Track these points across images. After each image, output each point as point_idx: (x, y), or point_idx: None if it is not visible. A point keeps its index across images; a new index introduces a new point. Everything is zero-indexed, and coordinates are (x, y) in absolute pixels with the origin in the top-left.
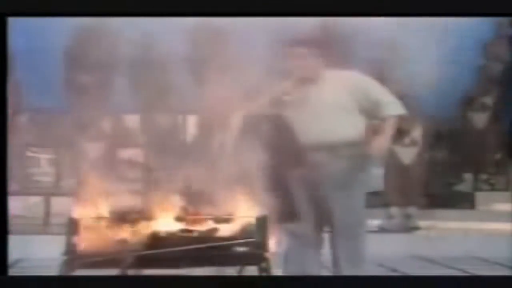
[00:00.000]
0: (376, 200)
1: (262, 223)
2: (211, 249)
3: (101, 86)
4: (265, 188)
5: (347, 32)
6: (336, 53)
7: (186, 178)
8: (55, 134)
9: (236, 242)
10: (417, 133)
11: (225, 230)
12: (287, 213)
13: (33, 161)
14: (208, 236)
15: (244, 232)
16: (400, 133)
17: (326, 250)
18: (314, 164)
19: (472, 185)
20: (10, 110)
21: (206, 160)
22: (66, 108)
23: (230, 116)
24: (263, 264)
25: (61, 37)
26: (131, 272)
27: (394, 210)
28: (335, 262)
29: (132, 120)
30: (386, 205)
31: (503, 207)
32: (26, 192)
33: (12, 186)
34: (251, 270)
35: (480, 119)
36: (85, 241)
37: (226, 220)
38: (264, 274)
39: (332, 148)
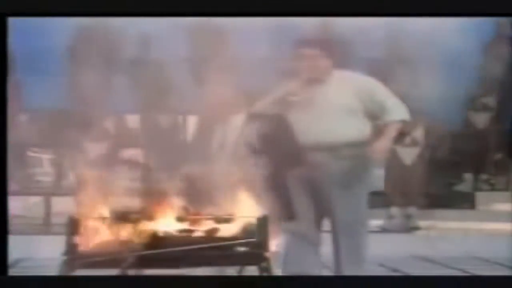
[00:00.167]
0: (377, 200)
1: (262, 223)
2: (212, 249)
3: (101, 86)
4: (265, 188)
5: (347, 32)
6: (340, 54)
7: (187, 178)
8: (56, 134)
9: (237, 242)
10: (418, 133)
11: (225, 230)
12: (288, 213)
13: (34, 161)
14: (209, 236)
15: (245, 232)
16: (401, 135)
17: (326, 250)
18: (317, 164)
19: (472, 185)
20: (10, 110)
21: (206, 160)
22: (67, 108)
23: (231, 116)
24: (264, 264)
25: (62, 37)
26: (131, 272)
27: (394, 210)
28: (337, 261)
29: (133, 120)
30: (386, 205)
31: (503, 207)
32: (26, 192)
33: (12, 186)
34: (252, 270)
35: (480, 119)
36: (85, 241)
37: (227, 220)
38: (264, 274)
39: (335, 148)
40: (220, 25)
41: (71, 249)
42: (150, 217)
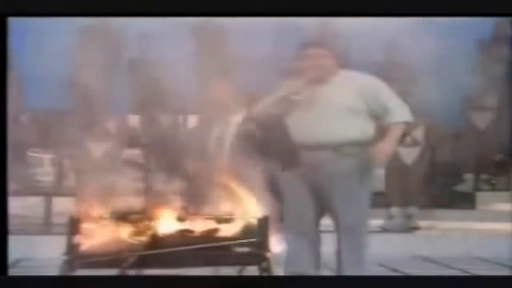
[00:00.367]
0: (377, 200)
1: (263, 223)
2: (212, 249)
3: (102, 86)
4: (266, 188)
5: (347, 32)
6: (342, 53)
7: (187, 178)
8: (57, 134)
9: (237, 242)
10: (418, 133)
11: (226, 230)
12: (288, 213)
13: (35, 161)
14: (209, 236)
15: (245, 232)
16: (403, 136)
17: (328, 249)
18: (319, 163)
19: (472, 185)
20: (12, 110)
21: (207, 159)
22: (68, 108)
23: (231, 116)
24: (264, 264)
25: (63, 37)
26: (132, 272)
27: (394, 210)
28: (338, 261)
29: (133, 120)
30: (386, 205)
31: (504, 207)
32: (27, 192)
33: (13, 186)
34: (252, 270)
35: (481, 119)
36: (86, 241)
37: (227, 220)
38: (265, 274)
39: (338, 148)
40: (222, 25)
41: (71, 249)
42: (150, 217)
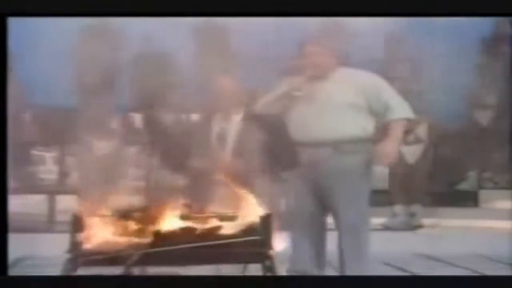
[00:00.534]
0: (380, 198)
1: (266, 221)
2: (215, 247)
3: (105, 84)
4: (269, 186)
5: (350, 29)
6: (343, 51)
7: (190, 176)
8: (60, 132)
9: (240, 240)
10: (421, 131)
11: (229, 228)
12: (290, 211)
13: (38, 159)
14: (212, 234)
15: (248, 230)
16: (405, 133)
17: (331, 247)
18: (319, 161)
19: (475, 183)
20: (14, 109)
21: (210, 157)
22: (71, 106)
23: (233, 113)
24: (267, 262)
25: (65, 35)
26: (135, 270)
27: (398, 208)
28: (341, 259)
29: (136, 118)
30: (390, 203)
31: (507, 205)
32: (30, 190)
33: (16, 184)
34: (255, 268)
35: (484, 117)
36: (89, 239)
37: (230, 218)
38: (268, 272)
39: (337, 145)
40: (222, 22)
41: (74, 247)
42: (153, 215)
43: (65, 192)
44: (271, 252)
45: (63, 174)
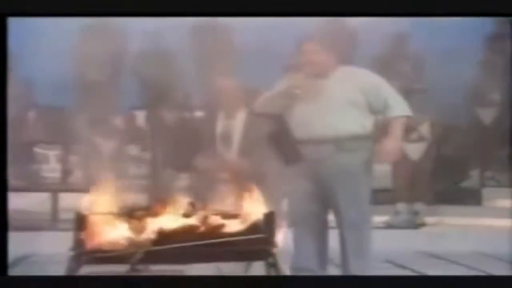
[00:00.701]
0: (383, 196)
1: (269, 219)
2: (219, 245)
3: (108, 82)
4: (272, 184)
5: (352, 28)
6: (344, 49)
7: (193, 174)
8: (63, 131)
9: (244, 238)
10: (424, 129)
11: (232, 226)
12: (293, 209)
13: (41, 158)
14: (216, 232)
15: (252, 228)
16: (407, 130)
17: (333, 245)
18: (320, 158)
19: (478, 181)
20: (18, 108)
21: (213, 155)
22: (74, 105)
23: (237, 111)
24: (271, 260)
25: (67, 34)
26: (138, 268)
27: (400, 206)
28: (343, 256)
29: (140, 117)
30: (393, 201)
31: (510, 203)
32: (34, 188)
33: (20, 182)
34: (258, 266)
35: (487, 115)
36: (92, 237)
37: (234, 216)
38: (271, 269)
39: (338, 143)
40: (225, 21)
41: (78, 244)
42: (157, 213)
43: (68, 190)
44: (274, 250)
45: (66, 172)
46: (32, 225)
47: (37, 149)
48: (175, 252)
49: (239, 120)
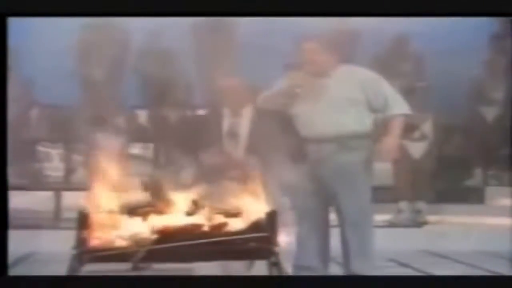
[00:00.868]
0: (385, 194)
1: (271, 218)
2: (221, 244)
3: (111, 81)
4: (274, 183)
5: (355, 26)
6: (345, 48)
7: (197, 172)
8: (66, 129)
9: (246, 236)
10: (426, 127)
11: (235, 224)
12: (296, 207)
13: (44, 156)
14: (218, 230)
15: (254, 227)
16: (409, 128)
17: (335, 243)
18: (323, 156)
19: (481, 180)
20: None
21: (218, 153)
22: (77, 104)
23: (241, 109)
24: (273, 259)
25: (70, 33)
26: (141, 266)
27: (403, 204)
28: (344, 255)
29: (142, 114)
30: (395, 199)
31: None
32: (36, 187)
33: (23, 181)
34: (261, 265)
35: (489, 114)
36: (95, 235)
37: (236, 215)
38: (273, 268)
39: (340, 140)
40: (226, 19)
41: (81, 243)
42: (159, 212)
43: (71, 188)
44: (276, 248)
45: (69, 171)
46: (35, 224)
47: (40, 148)
48: (177, 251)
49: (246, 117)
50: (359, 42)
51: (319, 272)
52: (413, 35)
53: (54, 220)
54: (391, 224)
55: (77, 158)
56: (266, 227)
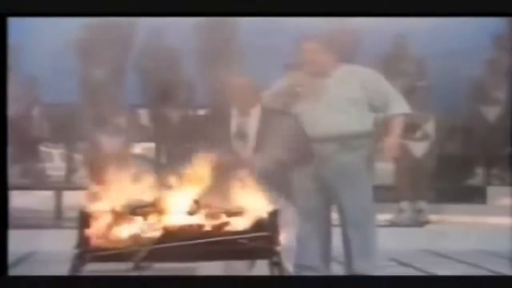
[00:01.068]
0: (387, 194)
1: (273, 217)
2: (222, 243)
3: (113, 80)
4: (276, 182)
5: (355, 26)
6: (346, 48)
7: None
8: (67, 129)
9: (248, 236)
10: (428, 127)
11: (236, 224)
12: (298, 206)
13: (45, 156)
14: (220, 230)
15: (256, 226)
16: (411, 128)
17: (337, 243)
18: (325, 155)
19: (483, 179)
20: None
21: (217, 153)
22: (78, 103)
23: (249, 108)
24: (274, 258)
25: (71, 32)
26: (143, 265)
27: (404, 204)
28: (346, 254)
29: (145, 114)
30: (396, 199)
31: None
32: (38, 186)
33: (24, 180)
34: (262, 264)
35: (491, 113)
36: (96, 235)
37: (238, 214)
38: (275, 268)
39: (342, 140)
40: (227, 19)
41: (82, 242)
42: (161, 211)
43: (73, 188)
44: (278, 248)
45: (71, 171)
46: (36, 223)
47: (42, 147)
48: (179, 250)
49: (254, 117)
50: (359, 42)
51: (321, 271)
52: (413, 35)
53: (55, 220)
54: (392, 224)
55: (78, 157)
56: (268, 226)
